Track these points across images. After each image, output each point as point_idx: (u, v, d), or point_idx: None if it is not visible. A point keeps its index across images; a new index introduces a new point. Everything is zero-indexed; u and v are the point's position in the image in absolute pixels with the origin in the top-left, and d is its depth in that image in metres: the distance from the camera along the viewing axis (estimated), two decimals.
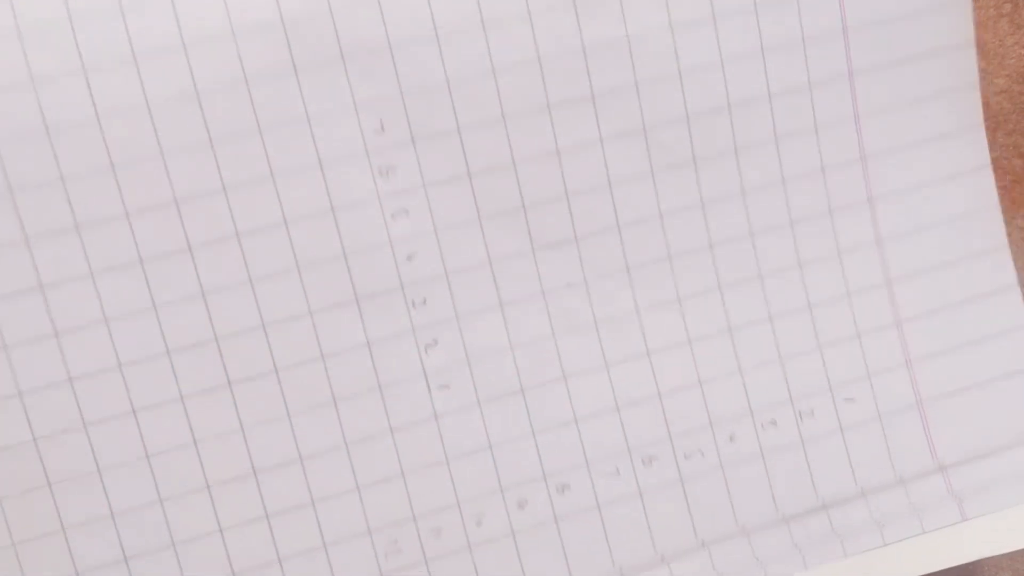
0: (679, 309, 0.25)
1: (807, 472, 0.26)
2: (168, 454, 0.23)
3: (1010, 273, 0.27)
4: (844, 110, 0.25)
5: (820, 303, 0.26)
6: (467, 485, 0.25)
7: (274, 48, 0.23)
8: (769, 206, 0.25)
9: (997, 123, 0.26)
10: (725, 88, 0.25)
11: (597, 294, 0.25)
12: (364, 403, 0.24)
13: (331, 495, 0.24)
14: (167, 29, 0.22)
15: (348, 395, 0.24)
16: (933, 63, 0.25)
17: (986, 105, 0.26)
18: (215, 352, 0.23)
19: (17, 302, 0.22)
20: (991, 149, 0.26)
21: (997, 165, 0.26)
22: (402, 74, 0.23)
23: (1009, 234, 0.26)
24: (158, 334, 0.23)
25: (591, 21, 0.24)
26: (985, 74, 0.26)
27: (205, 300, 0.23)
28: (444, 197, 0.24)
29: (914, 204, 0.26)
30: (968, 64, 0.26)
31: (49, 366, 0.23)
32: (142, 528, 0.23)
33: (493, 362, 0.25)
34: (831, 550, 0.26)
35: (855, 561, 0.26)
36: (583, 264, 0.25)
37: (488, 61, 0.24)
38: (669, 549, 0.26)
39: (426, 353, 0.24)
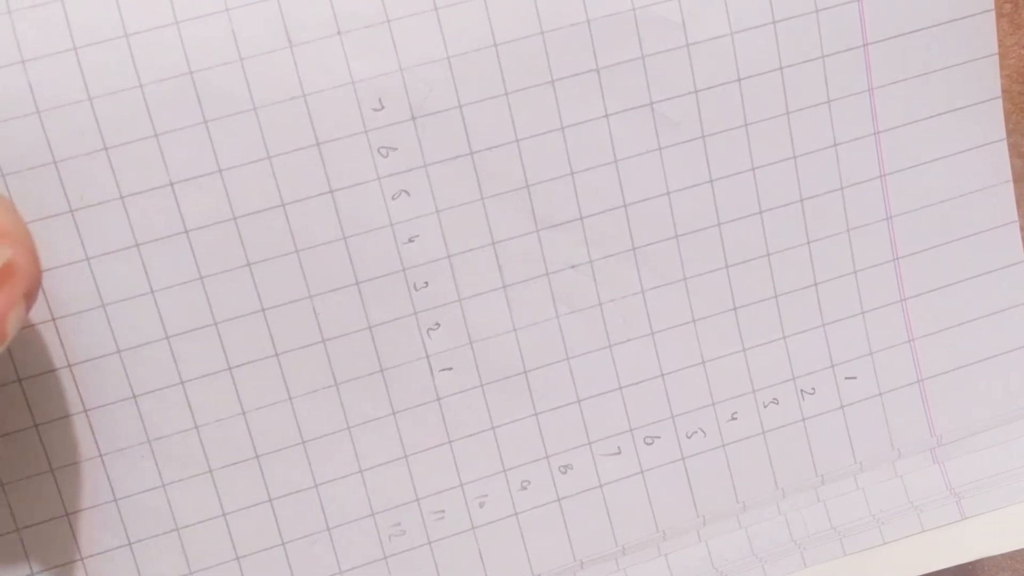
0: (684, 288, 0.25)
1: (807, 450, 0.26)
2: (170, 439, 0.23)
3: (1018, 249, 0.26)
4: (858, 83, 0.24)
5: (826, 280, 0.25)
6: (470, 467, 0.25)
7: (269, 23, 0.22)
8: (779, 183, 0.25)
9: None
10: (735, 61, 0.24)
11: (601, 274, 0.24)
12: (366, 386, 0.24)
13: (334, 478, 0.24)
14: (160, 5, 0.22)
15: (350, 378, 0.24)
16: (951, 32, 0.25)
17: None
18: (215, 336, 0.23)
19: None
20: None
21: None
22: (401, 49, 0.23)
23: None
24: (157, 318, 0.23)
25: None
26: None
27: (203, 284, 0.23)
28: (446, 177, 0.23)
29: (927, 180, 0.25)
30: (987, 33, 0.25)
31: (47, 352, 0.22)
32: (145, 513, 0.23)
33: (496, 344, 0.24)
34: (830, 549, 0.26)
35: (854, 560, 0.26)
36: (588, 244, 0.24)
37: (490, 35, 0.23)
38: (670, 529, 0.26)
39: (428, 336, 0.24)
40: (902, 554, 0.26)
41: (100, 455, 0.23)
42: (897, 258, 0.26)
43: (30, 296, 0.19)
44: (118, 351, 0.23)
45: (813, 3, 0.24)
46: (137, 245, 0.22)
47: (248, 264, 0.23)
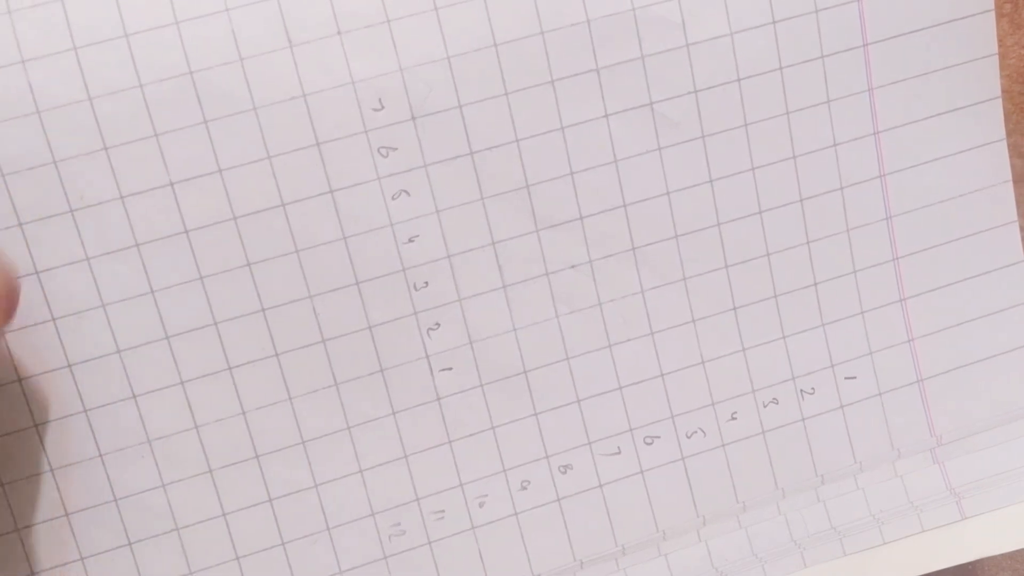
0: (684, 288, 0.25)
1: (807, 450, 0.26)
2: (170, 439, 0.23)
3: (1018, 249, 0.26)
4: (858, 83, 0.24)
5: (826, 280, 0.25)
6: (470, 467, 0.25)
7: (269, 23, 0.22)
8: (779, 183, 0.25)
9: None
10: (735, 61, 0.24)
11: (601, 274, 0.24)
12: (366, 386, 0.24)
13: (334, 478, 0.24)
14: (160, 5, 0.22)
15: (350, 378, 0.24)
16: (951, 32, 0.25)
17: None
18: (215, 336, 0.23)
19: None
20: None
21: None
22: (401, 49, 0.23)
23: None
24: (156, 318, 0.23)
25: None
26: None
27: (203, 284, 0.23)
28: (446, 177, 0.23)
29: (927, 180, 0.25)
30: (987, 33, 0.25)
31: (47, 352, 0.22)
32: (145, 513, 0.23)
33: (496, 344, 0.24)
34: (830, 549, 0.26)
35: (854, 560, 0.26)
36: (588, 244, 0.24)
37: (490, 35, 0.23)
38: (670, 529, 0.26)
39: (428, 336, 0.24)
40: (902, 554, 0.26)
41: (100, 455, 0.23)
42: (897, 258, 0.26)
43: (9, 312, 0.19)
44: (118, 351, 0.23)
45: (813, 3, 0.24)
46: (137, 245, 0.22)
47: (248, 264, 0.23)
